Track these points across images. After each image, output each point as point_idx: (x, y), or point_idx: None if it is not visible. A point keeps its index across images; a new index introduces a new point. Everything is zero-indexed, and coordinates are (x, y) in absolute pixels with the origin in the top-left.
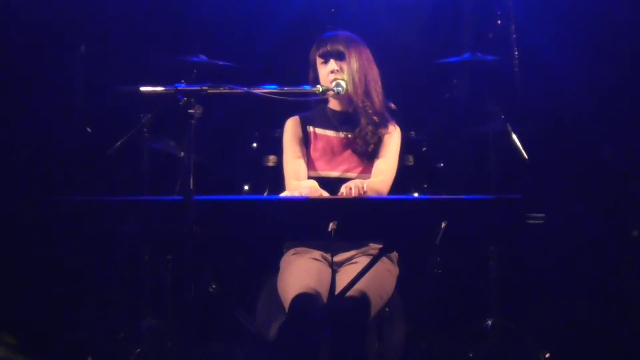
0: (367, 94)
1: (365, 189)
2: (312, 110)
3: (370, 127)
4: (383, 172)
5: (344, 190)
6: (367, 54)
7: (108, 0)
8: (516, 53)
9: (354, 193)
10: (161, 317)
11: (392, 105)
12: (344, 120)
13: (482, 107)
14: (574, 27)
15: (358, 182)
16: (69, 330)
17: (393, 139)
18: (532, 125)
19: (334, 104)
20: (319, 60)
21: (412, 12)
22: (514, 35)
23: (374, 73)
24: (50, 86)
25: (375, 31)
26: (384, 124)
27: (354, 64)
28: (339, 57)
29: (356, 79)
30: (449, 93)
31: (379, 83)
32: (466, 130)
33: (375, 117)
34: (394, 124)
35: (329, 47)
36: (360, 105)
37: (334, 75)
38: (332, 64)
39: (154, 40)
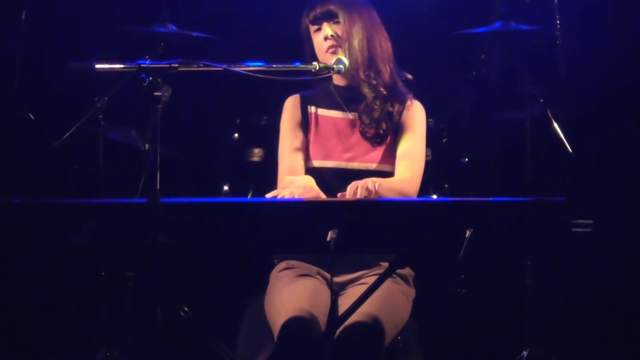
0: (370, 61)
1: (376, 189)
2: (316, 87)
3: (377, 102)
4: (407, 168)
5: (349, 190)
6: (370, 13)
7: None
8: (558, 22)
9: (360, 194)
10: (121, 348)
11: (409, 76)
12: (351, 97)
13: (517, 88)
14: None
15: (369, 181)
16: None
17: (413, 117)
18: (578, 112)
19: (337, 79)
20: (311, 29)
21: None
22: (556, 0)
23: (381, 36)
24: None
25: None
26: (396, 97)
27: (352, 26)
28: (333, 18)
29: (355, 43)
30: (476, 71)
31: (389, 49)
32: (496, 118)
33: (382, 90)
34: (412, 97)
35: (318, 10)
36: (363, 76)
37: (329, 43)
38: (326, 29)
39: (112, 7)
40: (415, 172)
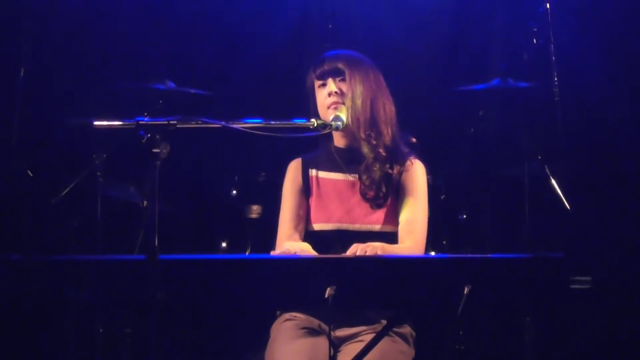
0: (372, 122)
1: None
2: (318, 150)
3: (377, 164)
4: (410, 236)
5: (350, 251)
6: (377, 75)
7: (53, 15)
8: (556, 79)
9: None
10: None
11: (413, 140)
12: (352, 158)
13: (515, 145)
14: (630, 47)
15: (370, 246)
16: None
17: (413, 178)
18: (575, 168)
19: (338, 140)
20: (316, 84)
21: (429, 29)
22: (554, 57)
23: (385, 99)
24: None
25: (383, 52)
26: (396, 160)
27: (356, 85)
28: (338, 75)
29: (358, 103)
30: (474, 128)
31: (392, 112)
32: (495, 174)
33: (382, 151)
34: (413, 158)
35: (326, 67)
36: (363, 136)
37: (332, 99)
38: (331, 85)
39: (110, 64)
40: (418, 240)
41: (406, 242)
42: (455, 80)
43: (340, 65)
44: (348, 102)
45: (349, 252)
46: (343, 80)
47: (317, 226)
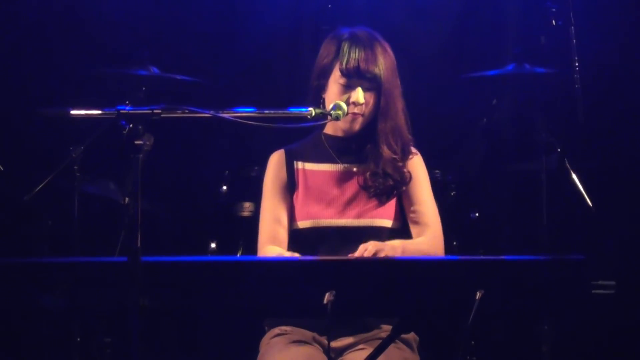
0: (397, 128)
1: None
2: (303, 140)
3: (388, 156)
4: (429, 226)
5: (359, 250)
6: (395, 65)
7: None
8: (577, 64)
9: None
10: None
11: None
12: (345, 148)
13: (531, 136)
14: None
15: (387, 248)
16: None
17: (417, 168)
18: (598, 162)
19: (331, 128)
20: (340, 79)
21: (436, 8)
22: (574, 40)
23: (402, 96)
24: None
25: (386, 33)
26: (406, 149)
27: (389, 100)
28: (370, 83)
29: (391, 112)
30: (487, 118)
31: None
32: (509, 169)
33: (406, 146)
34: (413, 149)
35: (362, 67)
36: (384, 139)
37: (356, 109)
38: (358, 95)
39: (88, 48)
40: (436, 232)
41: (425, 235)
42: (466, 65)
43: (377, 73)
44: (370, 111)
45: (359, 250)
46: (375, 91)
47: (307, 223)
